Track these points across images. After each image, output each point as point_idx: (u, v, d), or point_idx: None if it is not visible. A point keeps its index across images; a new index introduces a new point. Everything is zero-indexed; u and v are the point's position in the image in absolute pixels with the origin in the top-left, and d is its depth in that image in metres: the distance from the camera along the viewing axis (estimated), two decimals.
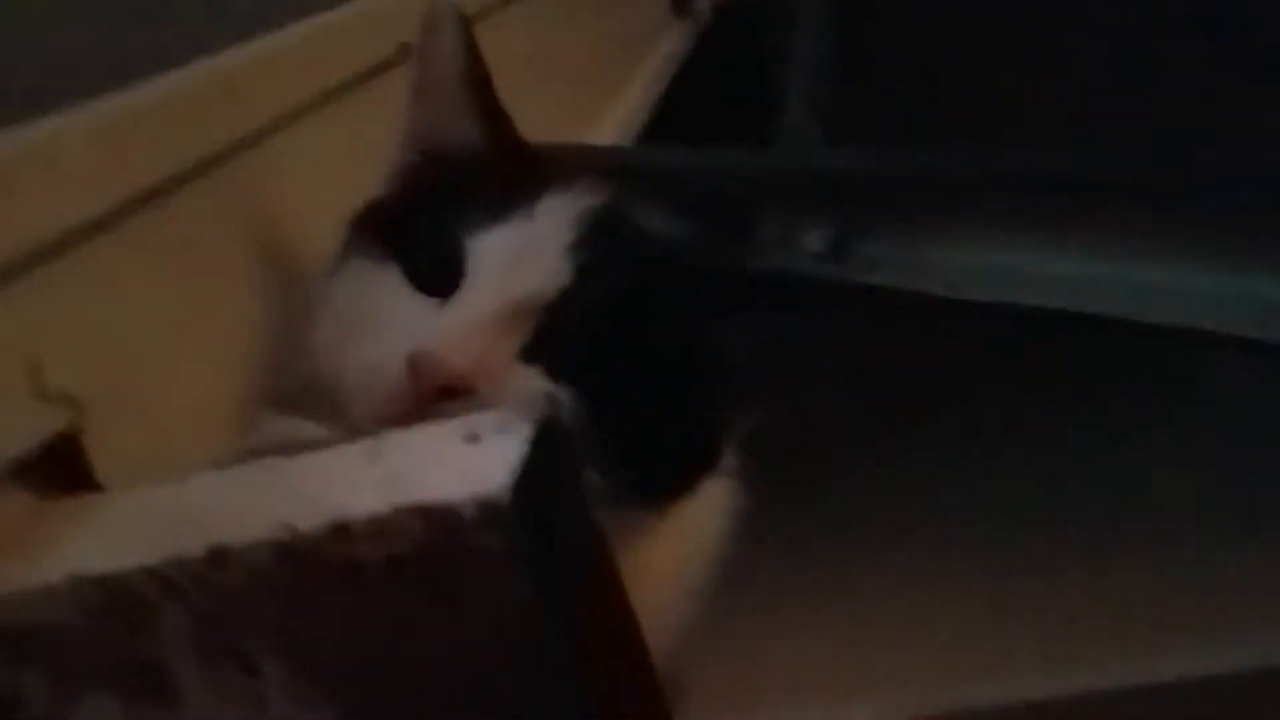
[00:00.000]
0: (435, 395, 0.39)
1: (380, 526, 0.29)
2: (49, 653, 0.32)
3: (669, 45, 1.37)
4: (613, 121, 1.01)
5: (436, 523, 0.29)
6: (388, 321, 0.42)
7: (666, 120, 1.10)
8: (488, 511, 0.29)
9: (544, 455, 0.31)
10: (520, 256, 0.42)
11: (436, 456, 0.31)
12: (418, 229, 0.44)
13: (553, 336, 0.41)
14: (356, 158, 0.56)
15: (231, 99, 0.47)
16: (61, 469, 0.37)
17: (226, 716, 0.32)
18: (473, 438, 0.32)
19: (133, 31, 0.56)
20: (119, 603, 0.31)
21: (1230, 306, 0.29)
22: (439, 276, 0.42)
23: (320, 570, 0.30)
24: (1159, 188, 0.30)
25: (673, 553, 0.46)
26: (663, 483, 0.44)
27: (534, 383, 0.41)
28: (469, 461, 0.31)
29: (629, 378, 0.42)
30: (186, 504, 0.32)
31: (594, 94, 1.05)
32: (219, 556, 0.30)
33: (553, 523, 0.31)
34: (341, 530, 0.29)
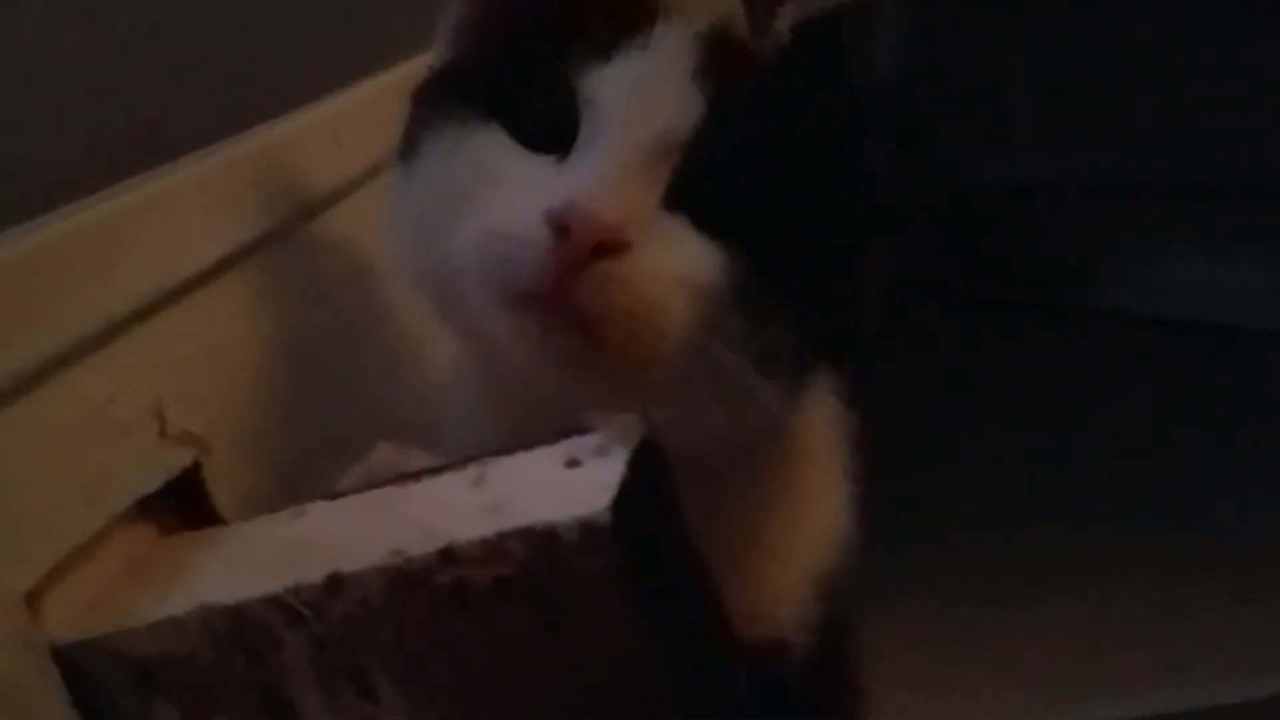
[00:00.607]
0: (587, 254, 0.34)
1: (486, 551, 0.30)
2: (178, 680, 0.33)
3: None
4: None
5: (539, 546, 0.30)
6: (505, 184, 0.37)
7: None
8: (588, 534, 0.29)
9: (642, 478, 0.31)
10: (643, 92, 0.37)
11: (538, 481, 0.32)
12: (514, 81, 0.38)
13: (695, 178, 0.36)
14: None
15: (338, 145, 0.49)
16: (184, 504, 0.39)
17: None
18: (573, 462, 0.32)
19: (244, 81, 0.59)
20: (243, 631, 0.32)
21: None
22: (551, 128, 0.37)
23: (430, 594, 0.30)
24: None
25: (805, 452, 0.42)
26: (812, 350, 0.39)
27: (684, 235, 0.36)
28: (569, 485, 0.31)
29: (780, 223, 0.37)
30: (303, 534, 0.34)
31: None
32: (335, 584, 0.31)
33: (652, 544, 0.31)
34: (449, 555, 0.30)
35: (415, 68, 0.59)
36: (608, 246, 0.34)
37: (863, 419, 0.44)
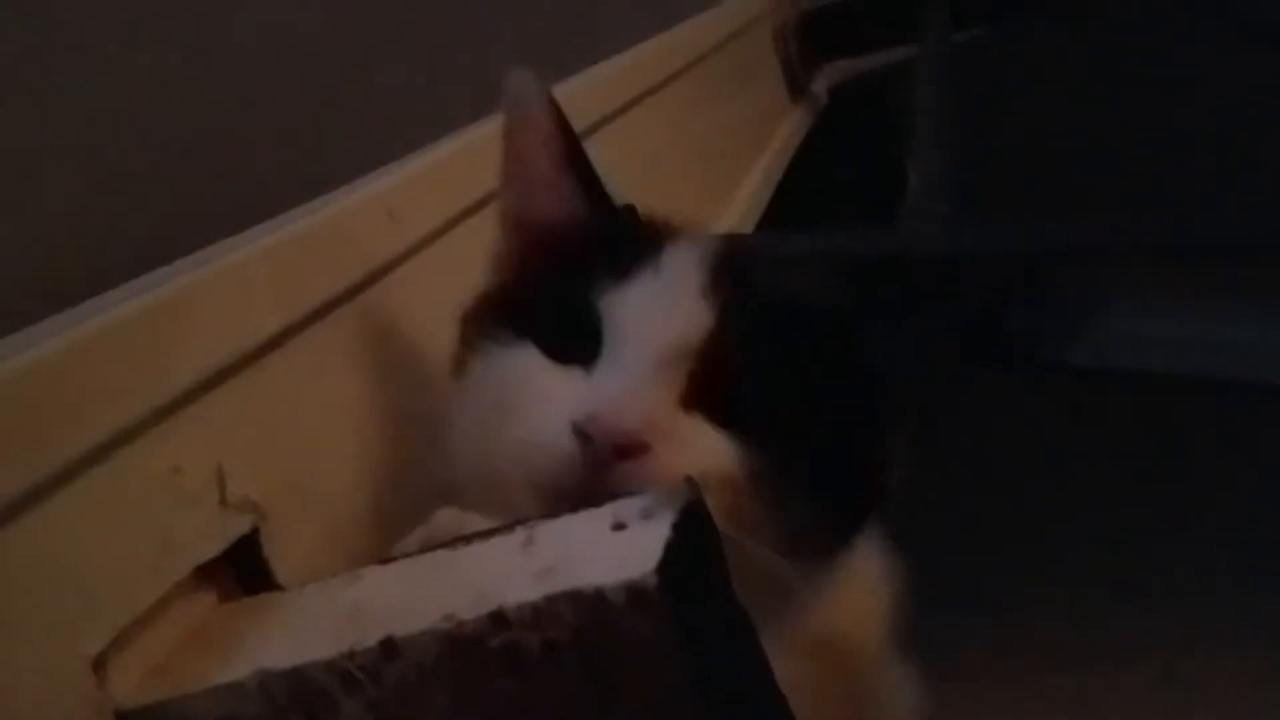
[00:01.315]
0: (611, 458, 0.38)
1: (536, 614, 0.31)
2: None
3: (788, 129, 1.39)
4: (736, 206, 1.03)
5: (588, 609, 0.30)
6: (538, 397, 0.41)
7: (787, 203, 1.11)
8: (636, 596, 0.30)
9: (689, 539, 0.32)
10: (657, 307, 0.41)
11: (586, 544, 0.32)
12: (544, 304, 0.43)
13: (708, 380, 0.40)
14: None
15: (392, 218, 0.50)
16: (243, 569, 0.40)
17: None
18: (619, 525, 0.33)
19: (302, 156, 0.61)
20: (302, 695, 0.33)
21: None
22: (578, 345, 0.42)
23: (482, 658, 0.31)
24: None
25: (848, 630, 0.44)
26: (837, 525, 0.42)
27: (702, 431, 0.40)
28: (617, 548, 0.32)
29: (791, 413, 0.41)
30: (359, 599, 0.34)
31: (717, 180, 1.08)
32: (389, 648, 0.31)
33: (700, 606, 0.32)
34: (500, 619, 0.31)
35: (462, 143, 0.61)
36: (628, 450, 0.38)
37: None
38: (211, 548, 0.38)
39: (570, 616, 0.31)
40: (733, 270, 0.43)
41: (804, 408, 0.41)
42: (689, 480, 0.34)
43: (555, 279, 0.44)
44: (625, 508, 0.33)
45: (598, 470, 0.38)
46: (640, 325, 0.41)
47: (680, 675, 0.31)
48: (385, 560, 0.36)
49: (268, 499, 0.41)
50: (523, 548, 0.33)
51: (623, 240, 0.44)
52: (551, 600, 0.31)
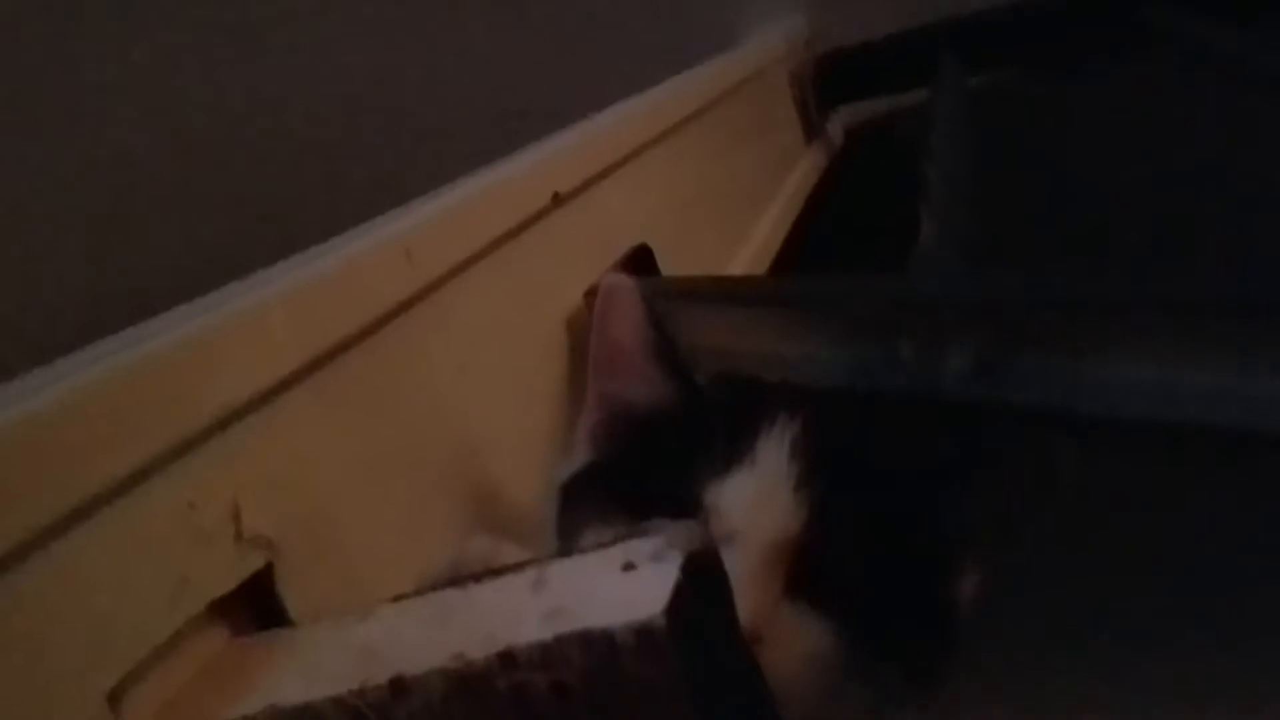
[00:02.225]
0: None
1: (544, 655, 0.31)
2: None
3: (802, 171, 1.40)
4: (751, 248, 1.04)
5: (596, 650, 0.30)
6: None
7: (801, 246, 1.12)
8: (644, 638, 0.30)
9: (698, 582, 0.32)
10: (758, 503, 0.45)
11: (595, 585, 0.33)
12: (644, 487, 0.46)
13: (806, 569, 0.44)
14: (520, 302, 0.60)
15: (409, 260, 0.51)
16: (256, 605, 0.40)
17: None
18: (629, 566, 0.33)
19: (321, 196, 0.62)
20: None
21: None
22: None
23: (491, 698, 0.31)
24: None
25: None
26: (920, 678, 0.47)
27: (808, 621, 0.44)
28: (625, 589, 0.32)
29: (882, 584, 0.45)
30: (369, 637, 0.35)
31: (735, 222, 1.08)
32: (399, 687, 0.32)
33: (708, 648, 0.32)
34: (508, 659, 0.31)
35: (479, 182, 0.62)
36: (754, 639, 0.41)
37: None
38: (226, 584, 0.38)
39: (578, 658, 0.31)
40: (822, 457, 0.46)
41: (892, 576, 0.45)
42: (698, 523, 0.34)
43: (654, 459, 0.48)
44: (636, 549, 0.34)
45: None
46: (743, 522, 0.44)
47: (685, 713, 0.31)
48: (397, 598, 0.36)
49: (282, 536, 0.41)
50: (533, 587, 0.34)
51: (715, 425, 0.47)
52: (561, 641, 0.31)
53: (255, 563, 0.40)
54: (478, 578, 0.35)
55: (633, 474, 0.48)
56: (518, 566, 0.35)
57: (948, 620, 0.47)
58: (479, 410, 0.54)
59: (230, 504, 0.39)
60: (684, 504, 0.45)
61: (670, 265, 0.70)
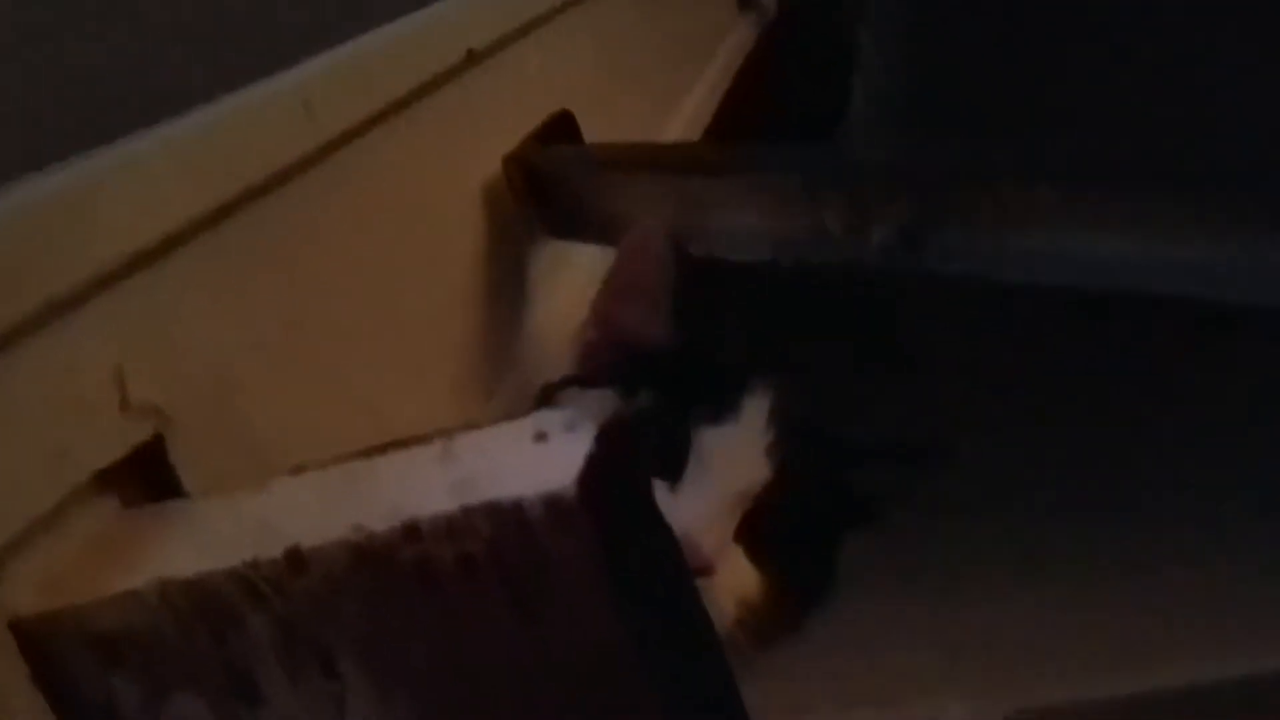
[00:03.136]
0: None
1: (450, 526, 0.29)
2: (138, 656, 0.33)
3: (735, 40, 1.36)
4: (682, 117, 1.01)
5: (505, 522, 0.29)
6: None
7: (733, 115, 1.09)
8: (555, 509, 0.29)
9: (611, 453, 0.31)
10: (738, 455, 0.52)
11: (505, 456, 0.31)
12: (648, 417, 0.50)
13: (753, 520, 0.51)
14: (432, 166, 0.57)
15: (309, 113, 0.48)
16: (148, 478, 0.38)
17: (309, 717, 0.32)
18: (541, 436, 0.32)
19: (216, 47, 0.57)
20: (204, 607, 0.32)
21: None
22: (666, 462, 0.51)
23: (394, 571, 0.30)
24: (1234, 172, 0.29)
25: None
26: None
27: (741, 562, 0.51)
28: (537, 461, 0.30)
29: (805, 545, 0.54)
30: (265, 509, 0.33)
31: (664, 90, 1.05)
32: (296, 559, 0.30)
33: (621, 519, 0.31)
34: (412, 531, 0.30)
35: (386, 36, 0.58)
36: (701, 571, 0.48)
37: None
38: (111, 454, 0.36)
39: (486, 529, 0.30)
40: (791, 431, 0.53)
41: (810, 535, 0.54)
42: (613, 391, 0.33)
43: (646, 391, 0.51)
44: (548, 419, 0.32)
45: None
46: (722, 467, 0.51)
47: (600, 589, 0.30)
48: (296, 470, 0.35)
49: (174, 405, 0.39)
50: (440, 458, 0.32)
51: (707, 375, 0.53)
52: (467, 512, 0.30)
53: (144, 432, 0.37)
54: (381, 449, 0.34)
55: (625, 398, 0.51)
56: (424, 438, 0.34)
57: (834, 564, 0.57)
58: (388, 277, 0.51)
59: (114, 370, 0.37)
60: (672, 439, 0.51)
61: (594, 134, 0.67)
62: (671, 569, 0.34)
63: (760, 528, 0.52)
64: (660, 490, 0.49)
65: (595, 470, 0.30)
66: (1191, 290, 0.29)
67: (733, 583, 0.51)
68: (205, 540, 0.33)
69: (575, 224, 0.60)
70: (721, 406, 0.52)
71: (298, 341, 0.46)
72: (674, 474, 0.51)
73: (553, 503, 0.29)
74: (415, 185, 0.54)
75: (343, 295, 0.49)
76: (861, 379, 0.57)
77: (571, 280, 0.67)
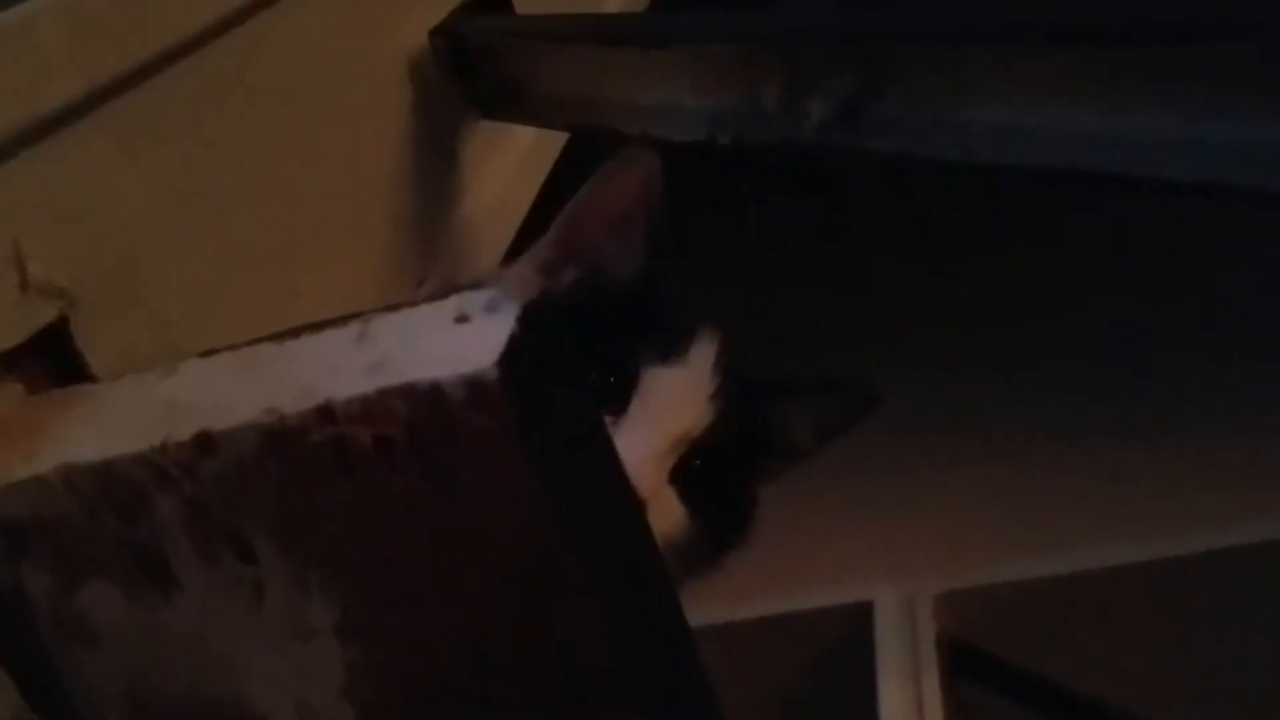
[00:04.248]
0: None
1: (365, 408, 0.28)
2: (47, 544, 0.32)
3: None
4: None
5: (423, 403, 0.28)
6: None
7: None
8: (475, 390, 0.28)
9: (534, 334, 0.30)
10: (683, 397, 0.53)
11: (424, 337, 0.30)
12: (588, 347, 0.51)
13: (686, 462, 0.53)
14: (355, 37, 0.54)
15: None
16: (53, 362, 0.36)
17: (226, 604, 0.32)
18: (462, 318, 0.30)
19: None
20: (112, 492, 0.31)
21: (1261, 159, 0.27)
22: (609, 394, 0.52)
23: (308, 454, 0.29)
24: (1179, 34, 0.28)
25: None
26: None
27: (673, 502, 0.53)
28: (457, 342, 0.29)
29: (729, 490, 0.57)
30: (174, 392, 0.32)
31: None
32: (205, 442, 0.29)
33: (545, 401, 0.30)
34: (326, 413, 0.29)
35: None
36: None
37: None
38: (11, 337, 0.34)
39: (404, 411, 0.29)
40: (733, 385, 0.55)
41: (738, 484, 0.58)
42: (537, 272, 0.32)
43: (603, 322, 0.53)
44: (470, 300, 0.31)
45: None
46: (666, 407, 0.52)
47: (523, 473, 0.30)
48: (207, 353, 0.33)
49: (79, 285, 0.37)
50: (356, 341, 0.31)
51: (661, 313, 0.55)
52: (384, 394, 0.29)
53: (46, 314, 0.36)
54: (295, 332, 0.32)
55: (579, 324, 0.52)
56: (340, 320, 0.32)
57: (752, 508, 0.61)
58: (306, 156, 0.49)
59: (11, 248, 0.35)
60: (619, 372, 0.52)
61: (528, 4, 0.64)
62: (596, 451, 0.34)
63: (693, 470, 0.54)
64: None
65: (517, 351, 0.29)
66: (1165, 171, 0.28)
67: (661, 520, 0.53)
68: (112, 424, 0.32)
69: (508, 104, 0.58)
70: (671, 349, 0.54)
71: (209, 220, 0.44)
72: (618, 408, 0.52)
73: (473, 384, 0.28)
74: (333, 58, 0.52)
75: (256, 172, 0.46)
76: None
77: (504, 165, 0.65)
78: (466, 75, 0.57)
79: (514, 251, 0.61)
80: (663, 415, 0.52)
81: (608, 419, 0.51)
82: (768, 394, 0.60)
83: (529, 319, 0.30)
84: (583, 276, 0.54)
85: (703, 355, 0.54)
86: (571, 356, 0.32)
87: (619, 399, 0.52)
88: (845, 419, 0.63)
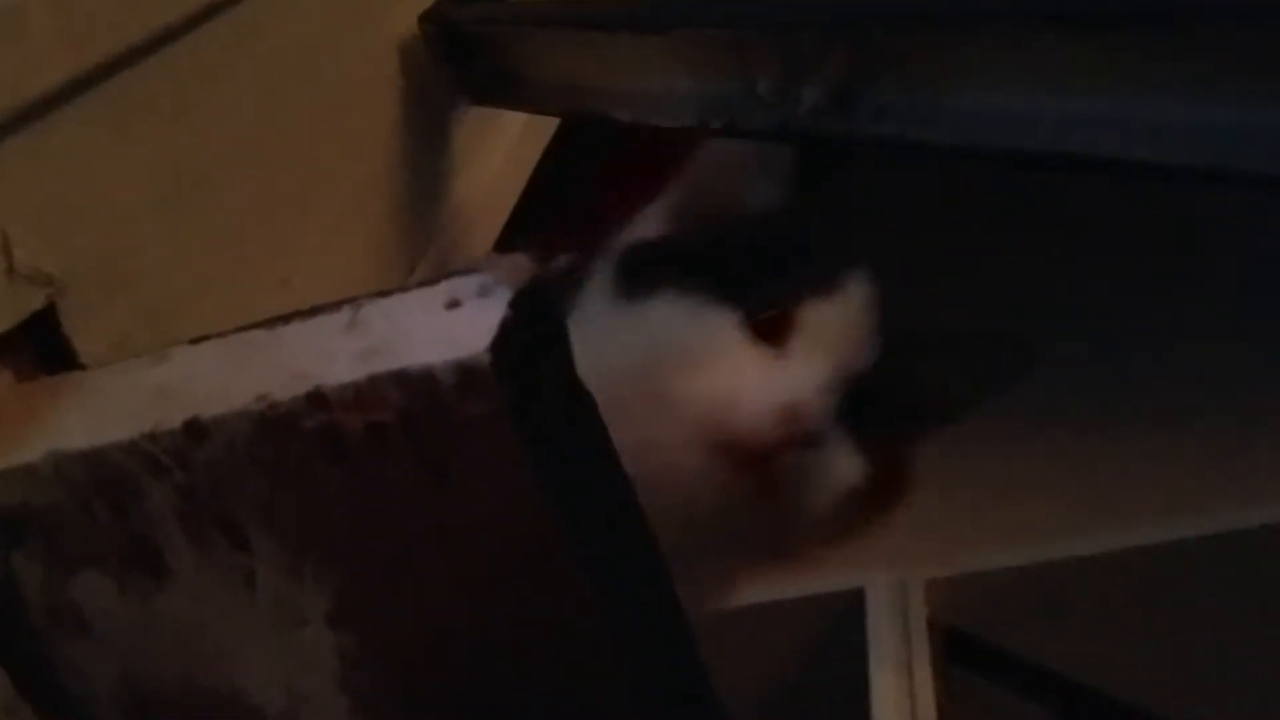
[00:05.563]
0: (803, 444, 0.47)
1: (358, 394, 0.28)
2: (39, 533, 0.32)
3: None
4: None
5: (415, 389, 0.28)
6: (738, 366, 0.48)
7: None
8: (467, 377, 0.28)
9: (527, 319, 0.30)
10: (848, 330, 0.50)
11: (416, 323, 0.30)
12: (744, 280, 0.50)
13: (853, 401, 0.50)
14: (345, 21, 0.54)
15: None
16: (41, 350, 0.36)
17: (219, 593, 0.31)
18: (453, 303, 0.30)
19: None
20: (102, 480, 0.30)
21: (1259, 142, 0.27)
22: (775, 329, 0.50)
23: (300, 441, 0.29)
24: (1176, 17, 0.28)
25: None
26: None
27: (839, 448, 0.50)
28: (449, 327, 0.29)
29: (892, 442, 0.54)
30: (164, 378, 0.32)
31: None
32: (196, 430, 0.29)
33: (538, 386, 0.30)
34: (319, 399, 0.28)
35: None
36: (809, 443, 0.48)
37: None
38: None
39: (396, 398, 0.28)
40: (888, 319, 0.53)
41: (897, 437, 0.55)
42: (531, 257, 0.32)
43: (754, 258, 0.51)
44: (461, 285, 0.31)
45: (783, 447, 0.46)
46: (828, 339, 0.50)
47: (516, 458, 0.30)
48: (197, 340, 0.33)
49: (67, 272, 0.37)
50: (348, 327, 0.31)
51: (809, 250, 0.53)
52: (375, 380, 0.28)
53: (34, 301, 0.35)
54: (286, 318, 0.32)
55: (727, 261, 0.51)
56: (332, 306, 0.32)
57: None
58: (297, 141, 0.49)
59: None
60: (784, 305, 0.49)
61: None
62: (593, 438, 0.34)
63: (855, 415, 0.51)
64: (766, 359, 0.49)
65: (510, 337, 0.29)
66: (1162, 155, 0.28)
67: (826, 465, 0.50)
68: (102, 412, 0.32)
69: (499, 89, 0.57)
70: (826, 285, 0.51)
71: (199, 206, 0.43)
72: (776, 343, 0.50)
73: (465, 370, 0.28)
74: (323, 44, 0.51)
75: (247, 159, 0.46)
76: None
77: (497, 151, 0.65)
78: (457, 61, 0.57)
79: (506, 237, 0.61)
80: (825, 347, 0.50)
81: (769, 354, 0.49)
82: (920, 346, 0.56)
83: (521, 304, 0.30)
84: (700, 212, 0.53)
85: (860, 291, 0.52)
86: (564, 340, 0.32)
87: (776, 334, 0.50)
88: (1003, 375, 0.58)
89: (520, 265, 0.31)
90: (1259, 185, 0.26)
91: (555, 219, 0.71)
